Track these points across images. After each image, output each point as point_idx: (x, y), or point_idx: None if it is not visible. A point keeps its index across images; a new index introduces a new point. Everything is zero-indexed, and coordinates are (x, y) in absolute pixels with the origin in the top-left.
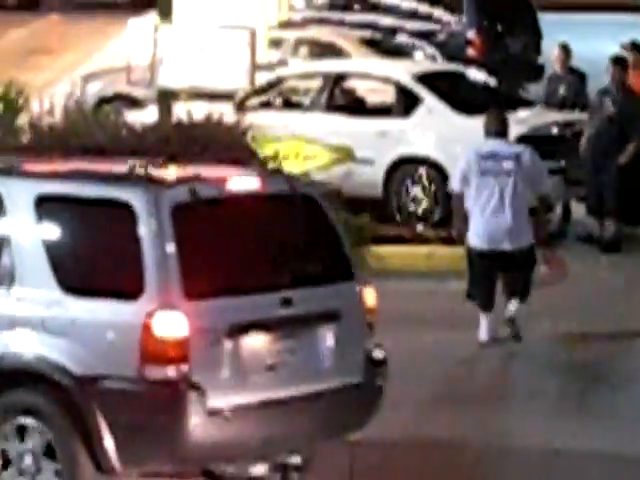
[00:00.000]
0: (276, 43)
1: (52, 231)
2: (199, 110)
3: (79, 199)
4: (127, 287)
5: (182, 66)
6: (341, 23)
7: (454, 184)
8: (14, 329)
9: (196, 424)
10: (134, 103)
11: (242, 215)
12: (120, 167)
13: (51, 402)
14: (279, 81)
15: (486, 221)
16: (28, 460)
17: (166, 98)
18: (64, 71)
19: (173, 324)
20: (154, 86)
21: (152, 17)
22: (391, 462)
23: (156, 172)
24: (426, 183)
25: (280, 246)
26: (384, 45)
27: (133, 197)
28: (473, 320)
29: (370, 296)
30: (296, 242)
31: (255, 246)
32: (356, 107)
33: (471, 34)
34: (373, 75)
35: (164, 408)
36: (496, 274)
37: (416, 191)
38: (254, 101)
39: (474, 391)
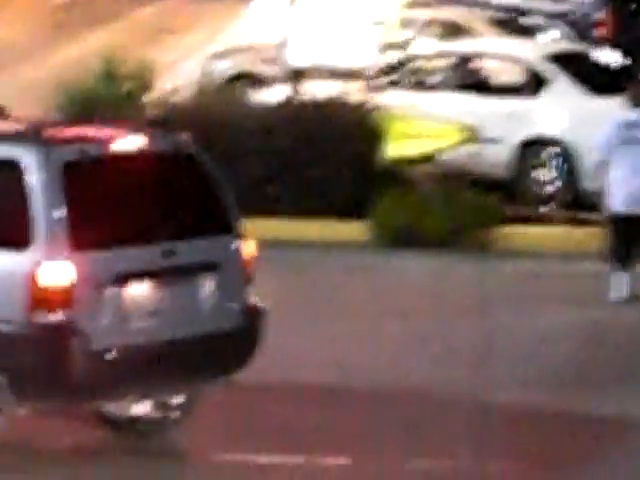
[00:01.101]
0: (407, 23)
1: None
2: (329, 89)
3: None
4: (17, 238)
5: (310, 45)
6: (474, 4)
7: (600, 152)
8: None
9: (79, 365)
10: (262, 82)
11: (127, 172)
12: (19, 127)
13: None
14: (409, 60)
15: (628, 186)
16: None
17: (294, 77)
18: (192, 50)
19: (58, 273)
20: (283, 65)
21: None
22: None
23: (49, 132)
24: (554, 164)
25: (163, 201)
26: (514, 25)
27: (25, 154)
28: (604, 300)
29: (249, 249)
30: (178, 198)
31: (139, 201)
32: (485, 87)
33: (601, 14)
34: (503, 55)
35: (50, 351)
36: (636, 237)
37: (544, 172)
38: (384, 80)
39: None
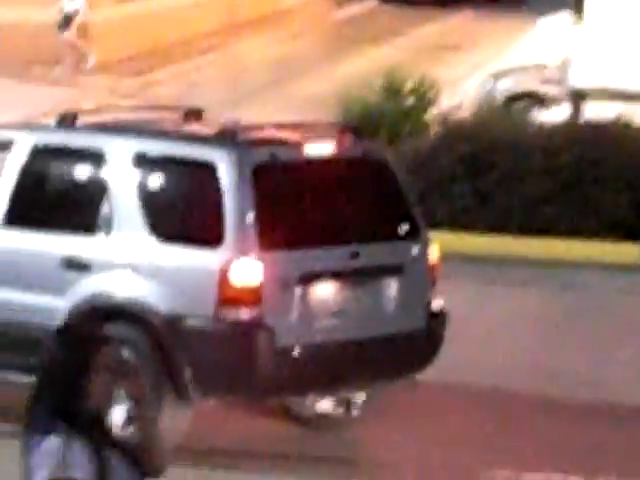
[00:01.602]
0: None
1: (151, 184)
2: (612, 110)
3: (173, 157)
4: (209, 236)
5: (594, 66)
6: None
7: None
8: (111, 271)
9: (265, 361)
10: (543, 102)
11: (317, 175)
12: (215, 129)
13: (141, 336)
14: None
15: None
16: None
17: (577, 97)
18: (475, 67)
19: (248, 271)
20: (565, 85)
21: (564, 15)
22: None
23: (243, 135)
24: None
25: (351, 204)
26: None
27: (219, 157)
28: None
29: (433, 254)
30: (366, 201)
31: (328, 204)
32: None
33: None
34: None
35: (237, 346)
36: None
37: None
38: None
39: None
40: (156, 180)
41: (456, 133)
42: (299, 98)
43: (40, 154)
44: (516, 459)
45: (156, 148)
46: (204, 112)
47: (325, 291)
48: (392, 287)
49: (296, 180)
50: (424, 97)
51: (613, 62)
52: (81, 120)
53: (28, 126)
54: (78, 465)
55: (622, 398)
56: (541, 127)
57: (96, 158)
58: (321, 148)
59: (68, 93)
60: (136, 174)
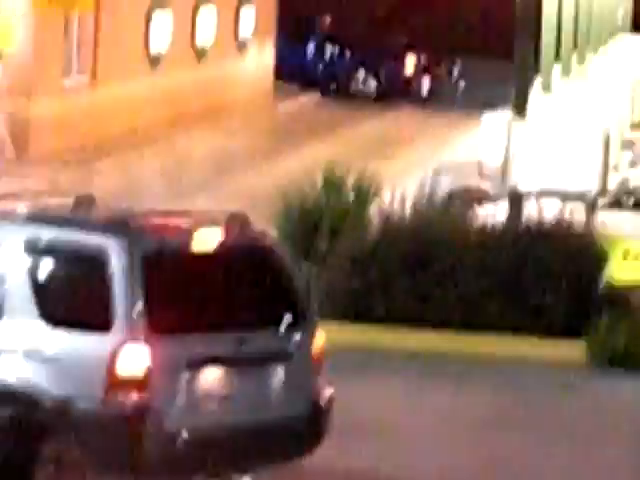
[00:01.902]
0: (629, 144)
1: (42, 271)
2: (550, 208)
3: (64, 244)
4: (99, 322)
5: (534, 166)
6: None
7: None
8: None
9: (152, 444)
10: (484, 198)
11: (204, 263)
12: (107, 217)
13: (33, 418)
14: (629, 181)
15: None
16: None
17: (517, 195)
18: (415, 164)
19: (136, 356)
20: (505, 183)
21: (506, 113)
22: None
23: (134, 223)
24: None
25: (238, 292)
26: None
27: (108, 244)
28: None
29: (319, 340)
30: (253, 289)
31: (215, 291)
32: None
33: None
34: None
35: (125, 429)
36: None
37: None
38: (605, 201)
39: None
40: (47, 266)
41: (396, 229)
42: (241, 192)
43: None
44: None
45: (47, 235)
46: (95, 199)
47: (212, 376)
48: (277, 373)
49: (184, 267)
50: (365, 193)
51: (552, 160)
52: None
53: None
54: None
55: None
56: (481, 224)
57: None
58: (209, 236)
59: (8, 183)
60: (27, 261)
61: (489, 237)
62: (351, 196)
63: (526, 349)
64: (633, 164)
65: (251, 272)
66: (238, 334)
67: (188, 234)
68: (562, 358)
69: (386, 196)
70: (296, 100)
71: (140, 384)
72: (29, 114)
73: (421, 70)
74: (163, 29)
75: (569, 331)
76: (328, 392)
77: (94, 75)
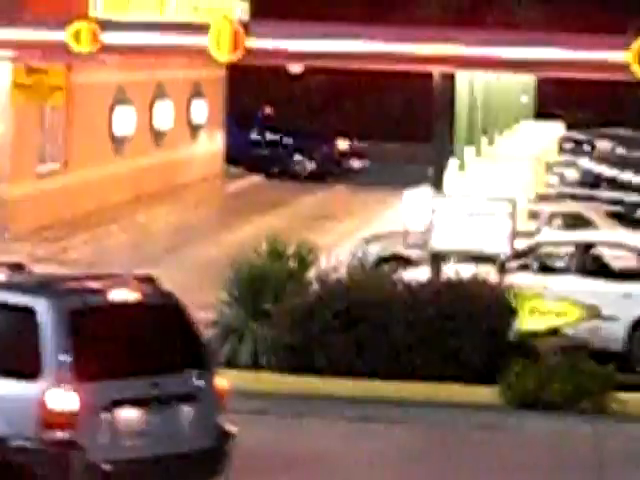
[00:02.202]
0: (533, 215)
1: None
2: (466, 270)
3: (1, 303)
4: (30, 370)
5: (452, 232)
6: (590, 198)
7: None
8: None
9: (77, 475)
10: (408, 263)
11: (120, 317)
12: (35, 280)
13: None
14: (536, 247)
15: None
16: None
17: (437, 259)
18: (348, 233)
19: (61, 399)
20: (428, 248)
21: (425, 189)
22: None
23: (58, 285)
24: None
25: (150, 342)
26: (628, 218)
27: (37, 303)
28: None
29: (220, 382)
30: (163, 339)
31: (131, 341)
32: (603, 271)
33: None
34: (618, 244)
35: (55, 461)
36: None
37: None
38: (514, 264)
39: None
40: None
41: (332, 291)
42: (195, 261)
43: None
44: None
45: None
46: (25, 265)
47: (130, 415)
48: (185, 411)
49: (104, 321)
50: (304, 260)
51: (467, 228)
52: None
53: None
54: None
55: None
56: (406, 285)
57: None
58: (122, 295)
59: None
60: None
61: (413, 295)
62: (292, 262)
63: (447, 394)
64: (538, 231)
65: (158, 325)
66: (151, 378)
67: (105, 294)
68: (479, 401)
69: (322, 262)
70: (243, 181)
71: (65, 424)
72: (8, 197)
73: (350, 153)
74: (125, 120)
75: (485, 377)
76: (230, 427)
77: (65, 162)
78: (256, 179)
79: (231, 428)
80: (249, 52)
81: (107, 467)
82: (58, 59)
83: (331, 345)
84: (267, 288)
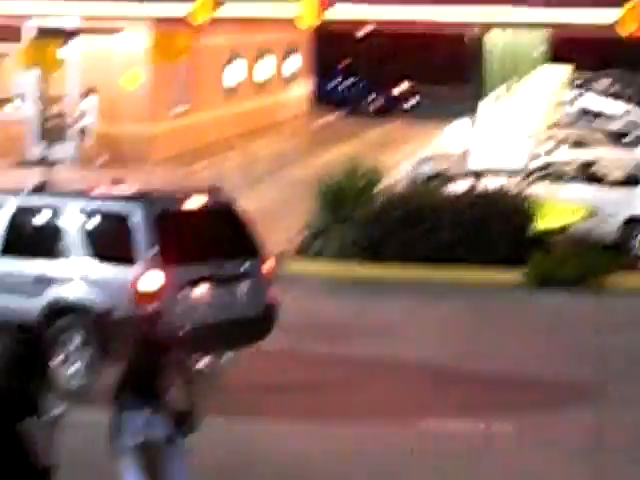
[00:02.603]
0: (548, 138)
1: (92, 225)
2: (497, 182)
3: (103, 208)
4: (127, 257)
5: (484, 154)
6: (591, 125)
7: None
8: (66, 283)
9: (163, 337)
10: (451, 179)
11: (193, 217)
12: (131, 191)
13: (85, 325)
14: (550, 164)
15: None
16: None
17: (473, 175)
18: (405, 156)
19: (151, 280)
20: (465, 167)
21: (464, 121)
22: None
23: (148, 194)
24: None
25: (215, 235)
26: (620, 139)
27: (133, 208)
28: None
29: (268, 265)
30: (224, 234)
31: (200, 235)
32: (602, 180)
33: None
34: (615, 159)
35: (145, 327)
36: None
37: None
38: (532, 177)
39: None
40: (94, 223)
41: (394, 200)
42: (290, 180)
43: (21, 209)
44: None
45: (92, 203)
46: (125, 181)
47: (201, 291)
48: (242, 287)
49: (181, 222)
50: (373, 177)
51: (496, 150)
52: (48, 188)
53: (13, 192)
54: (158, 428)
55: (517, 368)
56: (449, 195)
57: (55, 211)
58: (195, 202)
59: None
60: (80, 220)
61: (455, 203)
62: (364, 179)
63: (483, 277)
64: (551, 151)
65: (221, 224)
66: (216, 263)
67: (182, 201)
68: (508, 281)
69: (387, 178)
70: (326, 118)
71: (153, 298)
72: (149, 134)
73: (407, 94)
74: (236, 72)
75: (512, 263)
76: (275, 299)
77: (192, 105)
78: (336, 116)
79: (275, 300)
80: (327, 20)
81: (185, 330)
82: (182, 28)
83: (394, 241)
84: (346, 199)
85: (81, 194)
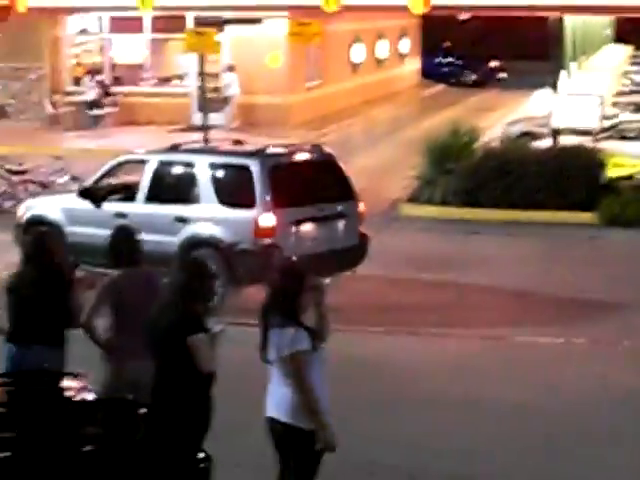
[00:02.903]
0: (614, 104)
1: (219, 176)
2: (574, 140)
3: (229, 163)
4: (248, 202)
5: (564, 116)
6: None
7: None
8: (200, 222)
9: (277, 262)
10: (537, 137)
11: (300, 169)
12: (250, 149)
13: (216, 255)
14: (617, 124)
15: None
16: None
17: (555, 134)
18: (498, 119)
19: (268, 219)
20: (549, 126)
21: (546, 90)
22: None
23: (264, 150)
24: None
25: (318, 183)
26: None
27: (252, 162)
28: None
29: (361, 207)
30: (326, 181)
31: (307, 183)
32: None
33: None
34: None
35: (264, 256)
36: None
37: None
38: (603, 135)
39: None
40: (222, 175)
41: (489, 155)
42: (403, 139)
43: (163, 165)
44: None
45: (220, 159)
46: (244, 141)
47: (307, 228)
48: (341, 224)
49: (290, 172)
50: (472, 135)
51: (573, 113)
52: (183, 147)
53: (155, 151)
54: (303, 341)
55: (587, 291)
56: (535, 150)
57: (190, 166)
58: (301, 156)
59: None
60: (211, 173)
61: (540, 157)
62: (465, 137)
63: (562, 218)
64: (617, 114)
65: (323, 173)
66: (319, 206)
67: (291, 155)
68: (583, 222)
69: (484, 137)
70: (432, 89)
71: (269, 234)
72: (287, 104)
73: (498, 68)
74: (359, 52)
75: (586, 207)
76: (366, 233)
77: (323, 79)
78: (440, 87)
79: (367, 233)
80: (435, 7)
81: (295, 258)
82: (315, 16)
83: (488, 189)
84: (450, 154)
85: (210, 151)
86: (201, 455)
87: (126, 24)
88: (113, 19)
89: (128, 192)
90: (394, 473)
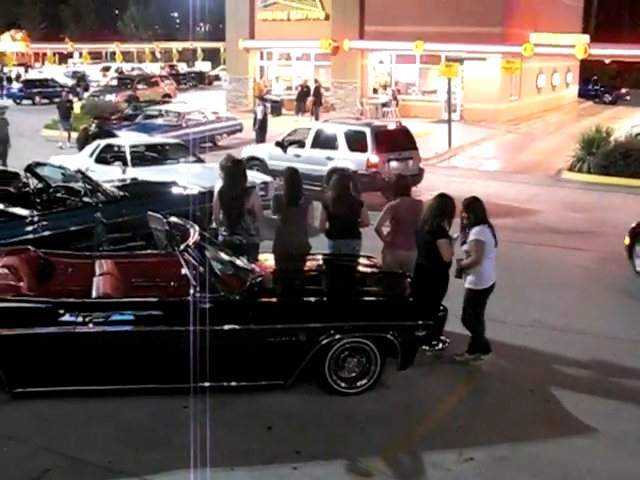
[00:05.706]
0: None
1: (348, 136)
2: None
3: (354, 130)
4: (363, 149)
5: None
6: None
7: None
8: (338, 159)
9: (378, 179)
10: None
11: (391, 133)
12: (365, 123)
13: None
14: None
15: None
16: None
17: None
18: (624, 124)
19: (375, 158)
20: None
21: None
22: None
23: (373, 124)
24: None
25: (402, 141)
26: None
27: (366, 129)
28: None
29: (420, 153)
30: (404, 140)
31: (396, 139)
32: None
33: None
34: None
35: (372, 177)
36: None
37: None
38: None
39: None
40: (347, 136)
41: (620, 144)
42: (566, 133)
43: (318, 130)
44: None
45: (349, 127)
46: (361, 118)
47: (394, 164)
48: (410, 162)
49: (385, 135)
50: (608, 132)
51: None
52: (330, 120)
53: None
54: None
55: None
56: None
57: (335, 130)
58: (391, 126)
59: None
60: (344, 135)
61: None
62: (604, 134)
63: (630, 183)
64: None
65: (402, 135)
66: (400, 152)
67: (386, 126)
68: None
69: (616, 134)
70: (584, 104)
71: (375, 165)
72: (498, 110)
73: (624, 94)
74: (542, 81)
75: None
76: (423, 167)
77: (519, 96)
78: (589, 104)
79: (422, 169)
80: (590, 55)
81: (388, 177)
82: (517, 57)
83: (617, 165)
84: (594, 143)
85: (344, 123)
86: (441, 307)
87: (405, 58)
88: (398, 55)
89: (300, 143)
90: None
